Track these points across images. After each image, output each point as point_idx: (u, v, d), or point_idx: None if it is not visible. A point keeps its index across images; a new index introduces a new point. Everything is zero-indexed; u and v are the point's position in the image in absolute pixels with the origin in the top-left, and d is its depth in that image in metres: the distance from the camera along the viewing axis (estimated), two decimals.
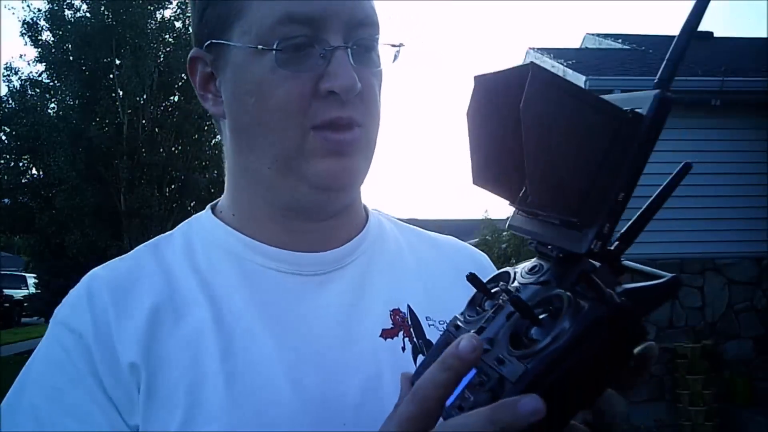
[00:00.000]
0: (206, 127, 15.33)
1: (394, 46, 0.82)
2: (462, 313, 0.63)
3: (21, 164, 16.58)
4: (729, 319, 7.40)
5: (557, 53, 8.87)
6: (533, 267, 0.58)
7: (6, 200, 16.30)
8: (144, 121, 15.21)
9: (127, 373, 0.71)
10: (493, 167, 0.57)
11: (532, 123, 0.47)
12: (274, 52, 0.74)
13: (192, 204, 15.35)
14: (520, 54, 10.85)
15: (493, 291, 0.62)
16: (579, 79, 7.39)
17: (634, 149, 0.49)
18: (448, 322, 0.65)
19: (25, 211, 15.98)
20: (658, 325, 7.30)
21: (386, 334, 0.82)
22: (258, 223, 0.83)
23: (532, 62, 0.48)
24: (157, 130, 15.46)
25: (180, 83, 15.65)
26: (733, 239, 7.43)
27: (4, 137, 16.58)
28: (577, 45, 12.23)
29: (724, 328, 7.37)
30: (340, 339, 0.78)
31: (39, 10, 15.66)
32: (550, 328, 0.48)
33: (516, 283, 0.59)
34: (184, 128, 15.44)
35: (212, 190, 15.12)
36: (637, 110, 0.50)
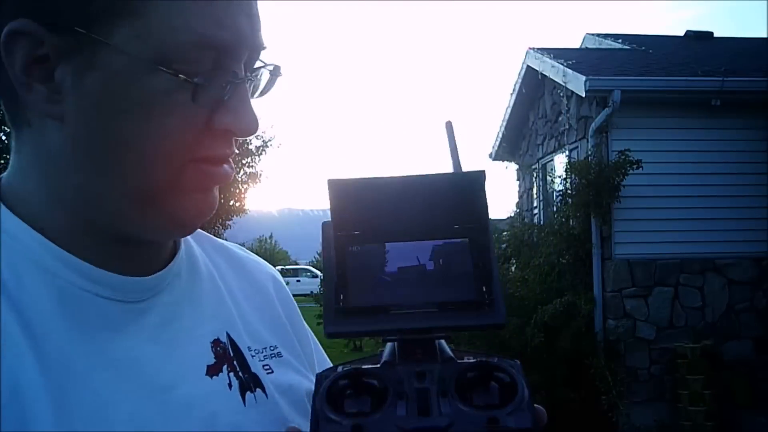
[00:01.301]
0: None
1: (273, 72, 0.72)
2: (331, 413, 0.56)
3: None
4: (729, 319, 7.40)
5: (557, 53, 8.87)
6: (415, 352, 0.61)
7: None
8: None
9: None
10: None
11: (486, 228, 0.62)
12: (175, 75, 0.61)
13: None
14: (520, 54, 10.86)
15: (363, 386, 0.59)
16: (579, 79, 7.39)
17: (491, 251, 0.62)
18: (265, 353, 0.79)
19: None
20: (658, 325, 7.30)
21: (211, 370, 0.72)
22: (72, 237, 0.67)
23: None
24: None
25: None
26: (733, 239, 7.43)
27: (4, 137, 16.57)
28: (577, 45, 12.23)
29: (724, 328, 7.37)
30: (172, 379, 0.68)
31: None
32: (496, 391, 0.57)
33: (415, 368, 0.59)
34: None
35: None
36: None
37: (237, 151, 0.71)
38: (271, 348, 0.82)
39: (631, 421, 6.90)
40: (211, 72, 0.63)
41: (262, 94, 0.73)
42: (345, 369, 0.60)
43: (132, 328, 0.68)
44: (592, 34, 11.82)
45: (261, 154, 15.71)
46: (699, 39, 11.02)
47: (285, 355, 0.82)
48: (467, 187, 0.61)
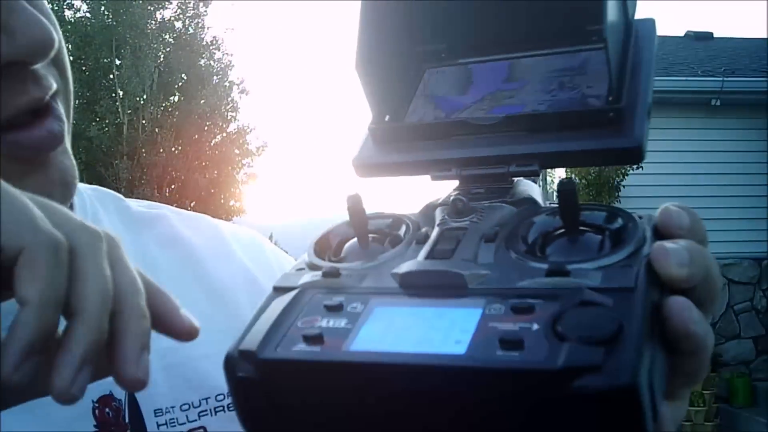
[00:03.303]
0: (206, 128, 15.36)
1: None
2: (305, 267, 0.38)
3: None
4: (729, 319, 7.40)
5: None
6: (472, 192, 0.40)
7: None
8: (144, 122, 15.22)
9: None
10: (381, 90, 0.42)
11: None
12: None
13: (192, 204, 15.35)
14: None
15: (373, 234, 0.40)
16: None
17: (647, 56, 0.42)
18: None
19: None
20: None
21: None
22: None
23: None
24: (157, 130, 15.47)
25: (180, 83, 15.67)
26: (733, 239, 7.43)
27: None
28: None
29: (724, 328, 7.36)
30: None
31: None
32: (593, 243, 0.35)
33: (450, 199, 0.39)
34: (184, 128, 15.46)
35: (212, 190, 15.14)
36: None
37: (54, 89, 0.48)
38: (220, 397, 0.55)
39: None
40: None
41: None
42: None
43: None
44: None
45: (261, 154, 15.73)
46: (699, 39, 11.01)
47: None
48: None
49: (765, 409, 6.76)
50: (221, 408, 0.55)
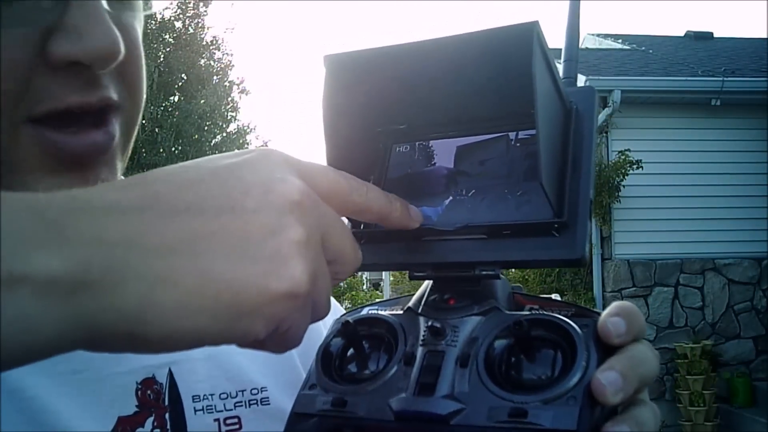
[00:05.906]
0: (206, 127, 15.36)
1: None
2: (316, 384, 0.44)
3: None
4: (729, 319, 7.40)
5: (557, 53, 8.86)
6: (444, 298, 0.45)
7: None
8: (144, 121, 15.22)
9: None
10: (349, 165, 0.45)
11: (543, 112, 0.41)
12: None
13: None
14: None
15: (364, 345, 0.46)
16: (579, 80, 7.37)
17: (587, 142, 0.45)
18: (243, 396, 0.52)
19: None
20: (658, 325, 7.30)
21: (125, 424, 0.51)
22: None
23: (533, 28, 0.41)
24: (157, 130, 15.48)
25: (180, 83, 15.67)
26: (733, 239, 7.43)
27: None
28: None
29: (724, 328, 7.36)
30: (62, 429, 0.49)
31: None
32: (550, 362, 0.40)
33: (428, 323, 0.44)
34: (184, 128, 15.47)
35: None
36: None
37: (111, 101, 0.48)
38: (254, 391, 0.58)
39: None
40: None
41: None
42: (359, 314, 0.47)
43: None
44: (592, 34, 11.81)
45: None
46: (699, 39, 11.01)
47: (278, 400, 0.58)
48: (512, 52, 0.41)
49: (765, 409, 6.76)
50: (255, 401, 0.58)
